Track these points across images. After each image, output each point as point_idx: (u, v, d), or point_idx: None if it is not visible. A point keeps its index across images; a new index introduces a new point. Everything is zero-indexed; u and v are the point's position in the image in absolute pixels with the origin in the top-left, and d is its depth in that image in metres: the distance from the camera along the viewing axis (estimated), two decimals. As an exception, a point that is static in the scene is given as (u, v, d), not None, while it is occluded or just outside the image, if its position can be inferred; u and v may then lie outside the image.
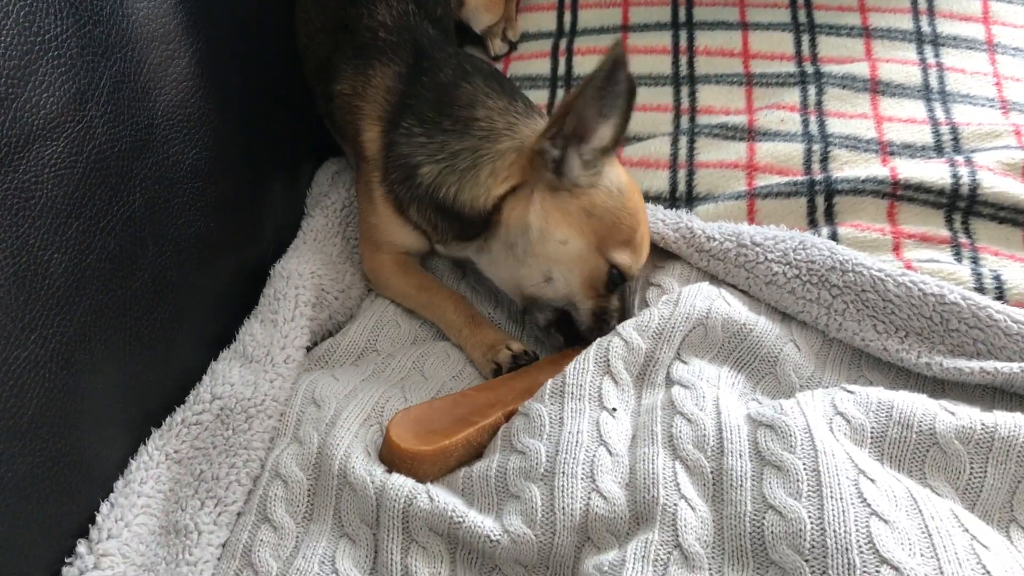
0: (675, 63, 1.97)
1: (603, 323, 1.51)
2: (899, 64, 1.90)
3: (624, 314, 1.54)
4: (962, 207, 1.63)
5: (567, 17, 2.12)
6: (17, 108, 1.10)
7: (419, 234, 1.63)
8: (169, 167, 1.37)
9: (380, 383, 1.48)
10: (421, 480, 1.32)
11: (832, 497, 1.18)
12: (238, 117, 1.54)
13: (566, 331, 1.54)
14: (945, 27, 1.97)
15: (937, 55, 1.92)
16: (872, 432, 1.31)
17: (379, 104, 1.62)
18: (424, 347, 1.58)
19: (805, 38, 1.98)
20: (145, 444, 1.33)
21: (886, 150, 1.76)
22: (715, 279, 1.57)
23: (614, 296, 1.52)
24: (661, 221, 1.62)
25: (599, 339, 1.41)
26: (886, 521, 1.15)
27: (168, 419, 1.37)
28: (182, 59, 1.40)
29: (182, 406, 1.38)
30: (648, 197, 1.74)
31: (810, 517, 1.16)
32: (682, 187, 1.76)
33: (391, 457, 1.33)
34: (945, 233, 1.62)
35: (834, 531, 1.14)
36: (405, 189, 1.57)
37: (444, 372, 1.54)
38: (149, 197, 1.32)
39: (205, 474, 1.32)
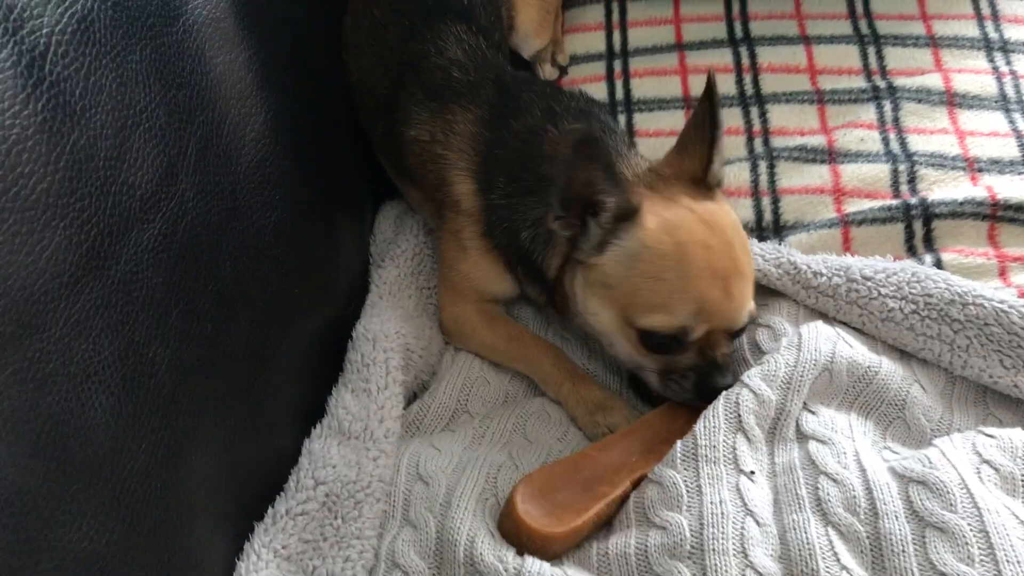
0: (739, 82, 1.89)
1: (670, 383, 1.38)
2: (972, 74, 1.83)
3: (708, 372, 1.37)
4: (1064, 226, 1.57)
5: (616, 37, 2.02)
6: (115, 192, 0.99)
7: (515, 280, 1.54)
8: (254, 233, 1.25)
9: (485, 450, 1.38)
10: (548, 559, 1.22)
11: (1009, 561, 1.11)
12: (309, 169, 1.43)
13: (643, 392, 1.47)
14: (1011, 32, 1.91)
15: (1009, 63, 1.86)
16: (1023, 480, 1.23)
17: (467, 153, 1.52)
18: (520, 407, 1.48)
19: (871, 50, 1.90)
20: (250, 541, 1.22)
21: (974, 167, 1.69)
22: (825, 317, 1.48)
23: (688, 353, 1.37)
24: (760, 257, 1.53)
25: (726, 392, 1.32)
26: (1070, 586, 1.08)
27: (271, 511, 1.26)
28: (259, 116, 1.29)
29: (284, 495, 1.27)
30: (734, 228, 1.66)
31: (988, 584, 1.09)
32: (768, 216, 1.68)
33: (518, 534, 1.22)
34: (1050, 254, 1.56)
35: (1018, 600, 1.07)
36: (513, 249, 1.48)
37: (548, 434, 1.44)
38: (238, 270, 1.21)
39: (319, 570, 1.21)
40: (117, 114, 1.00)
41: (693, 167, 1.41)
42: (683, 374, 1.37)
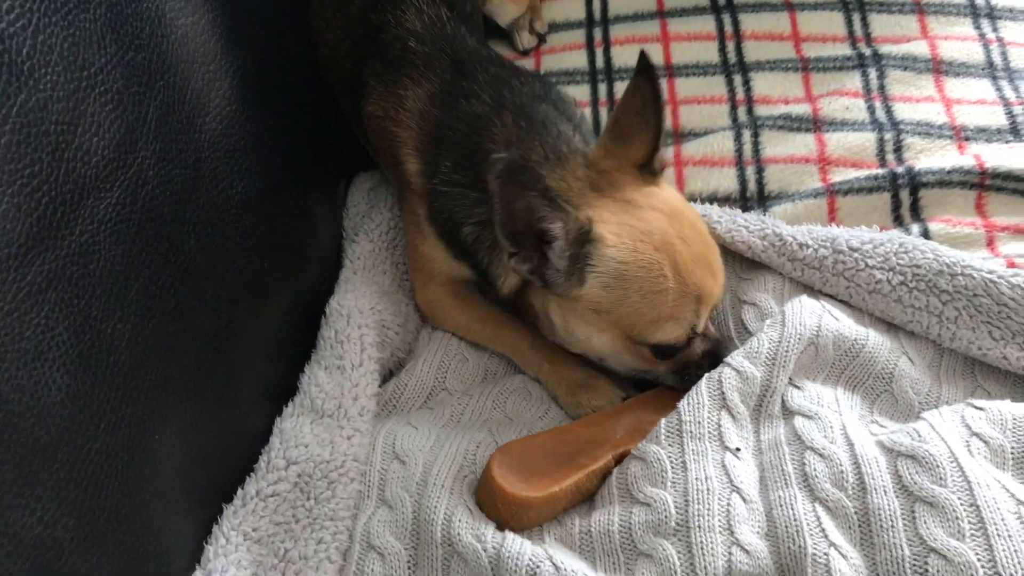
0: (722, 50, 1.84)
1: (687, 376, 1.33)
2: (958, 41, 1.80)
3: (717, 351, 1.33)
4: (1053, 194, 1.54)
5: (596, 4, 1.97)
6: (69, 158, 0.93)
7: (469, 268, 1.48)
8: (220, 205, 1.20)
9: (463, 429, 1.34)
10: (522, 527, 1.19)
11: (1000, 535, 1.08)
12: (279, 140, 1.38)
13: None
14: (999, -1, 1.87)
15: (996, 29, 1.82)
16: (1013, 453, 1.21)
17: (415, 131, 1.45)
18: (500, 384, 1.44)
19: (856, 17, 1.86)
20: (219, 524, 1.17)
21: (961, 135, 1.65)
22: (811, 290, 1.45)
23: (696, 344, 1.33)
24: (744, 228, 1.49)
25: (708, 373, 1.28)
26: (1063, 559, 1.06)
27: (240, 492, 1.21)
28: (223, 81, 1.23)
29: (254, 475, 1.23)
30: (717, 198, 1.63)
31: (980, 560, 1.07)
32: (752, 186, 1.64)
33: (492, 499, 1.19)
34: (1039, 223, 1.53)
35: (1011, 575, 1.04)
36: (454, 240, 1.42)
37: (529, 412, 1.40)
38: (203, 242, 1.16)
39: (291, 553, 1.17)
40: (70, 75, 0.94)
41: (637, 154, 1.33)
42: (699, 364, 1.33)
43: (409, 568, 1.18)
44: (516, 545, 1.13)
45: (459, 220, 1.40)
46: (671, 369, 1.34)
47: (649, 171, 1.34)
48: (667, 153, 1.39)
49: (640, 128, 1.33)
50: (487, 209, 1.31)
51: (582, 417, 1.36)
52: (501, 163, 1.15)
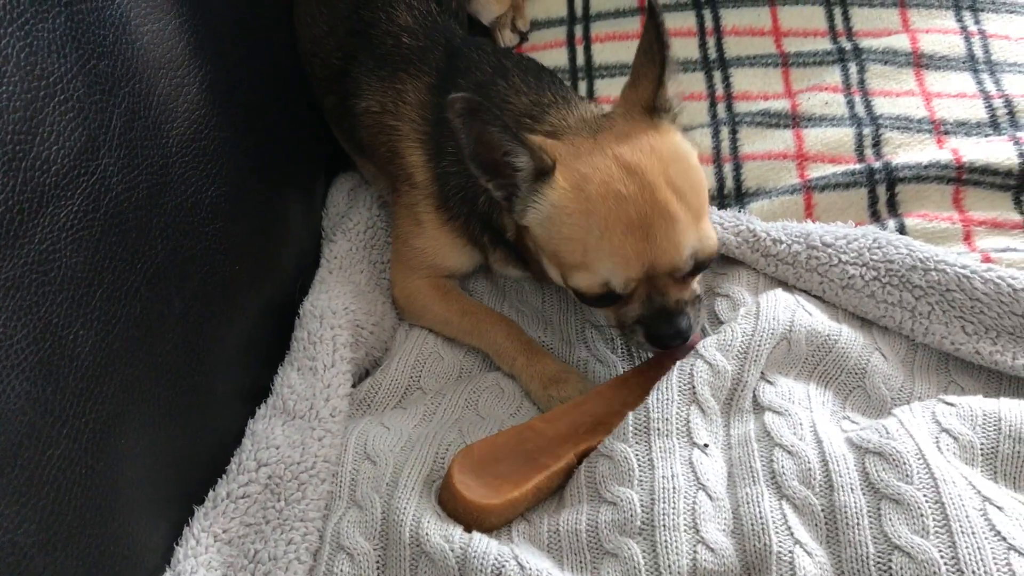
0: (703, 46, 1.84)
1: (628, 335, 1.33)
2: (940, 34, 1.79)
3: (651, 323, 1.30)
4: (1031, 188, 1.54)
5: (578, 1, 1.97)
6: (27, 168, 0.94)
7: (476, 251, 1.50)
8: (189, 209, 1.21)
9: (435, 428, 1.35)
10: (485, 530, 1.20)
11: (963, 532, 1.08)
12: (252, 142, 1.39)
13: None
14: (981, -11, 1.86)
15: (978, 22, 1.81)
16: (983, 449, 1.21)
17: (417, 123, 1.47)
18: (473, 382, 1.45)
19: (837, 11, 1.85)
20: (190, 525, 1.18)
21: (940, 129, 1.65)
22: (785, 285, 1.45)
23: (632, 305, 1.30)
24: (719, 224, 1.49)
25: (680, 363, 1.28)
26: (1027, 556, 1.06)
27: (211, 494, 1.22)
28: (191, 86, 1.24)
29: (225, 477, 1.24)
30: (696, 195, 1.63)
31: (943, 557, 1.07)
32: (730, 182, 1.64)
33: (454, 505, 1.20)
34: (1016, 217, 1.52)
35: (973, 572, 1.05)
36: (473, 217, 1.44)
37: (501, 410, 1.40)
38: (171, 247, 1.17)
39: (261, 554, 1.18)
40: (27, 85, 0.95)
41: (643, 95, 1.33)
42: (632, 327, 1.31)
43: (378, 568, 1.18)
44: (482, 545, 1.14)
45: (475, 193, 1.43)
46: (611, 322, 1.35)
47: (656, 111, 1.33)
48: (675, 98, 1.35)
49: (647, 68, 1.33)
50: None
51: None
52: (460, 101, 1.19)
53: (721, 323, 1.41)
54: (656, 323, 1.29)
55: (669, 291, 1.28)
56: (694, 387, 1.26)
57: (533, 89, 1.43)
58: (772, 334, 1.31)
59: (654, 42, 1.30)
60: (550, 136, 1.33)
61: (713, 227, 1.48)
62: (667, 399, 1.25)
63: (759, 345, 1.30)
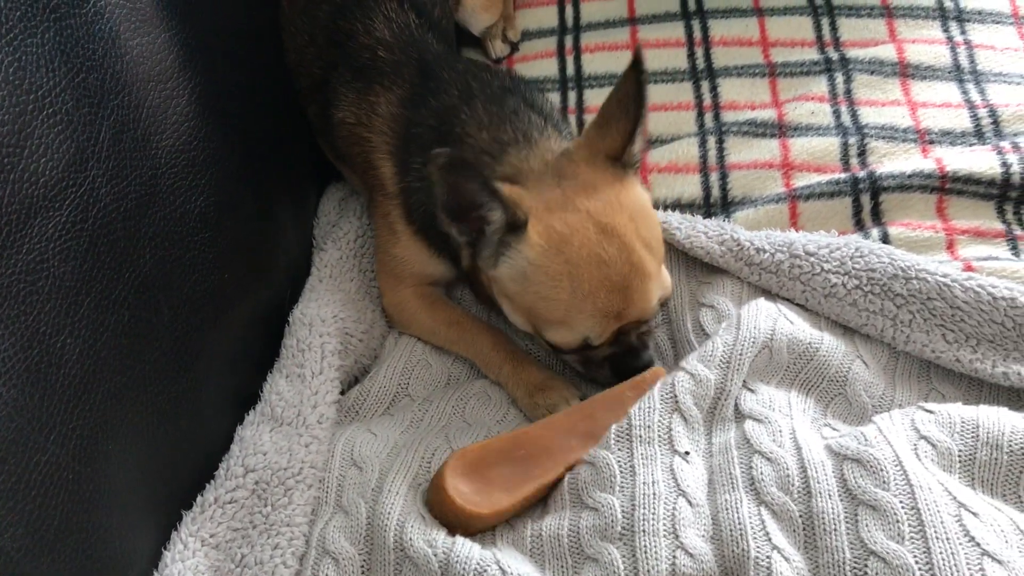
0: (691, 56, 1.86)
1: (590, 370, 1.40)
2: (926, 44, 1.81)
3: (620, 359, 1.37)
4: (1014, 197, 1.56)
5: (569, 12, 1.99)
6: (15, 180, 0.96)
7: (449, 263, 1.51)
8: (177, 219, 1.23)
9: (421, 434, 1.37)
10: (470, 535, 1.21)
11: (938, 538, 1.10)
12: (242, 152, 1.40)
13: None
14: (968, 1, 1.88)
15: (964, 32, 1.83)
16: (960, 456, 1.23)
17: (387, 135, 1.49)
18: (461, 389, 1.47)
19: (825, 22, 1.87)
20: (177, 530, 1.20)
21: (925, 139, 1.67)
22: (768, 293, 1.47)
23: (601, 348, 1.35)
24: (703, 234, 1.51)
25: (665, 376, 1.30)
26: (1000, 561, 1.08)
27: (199, 499, 1.24)
28: (181, 98, 1.26)
29: (213, 483, 1.26)
30: (681, 205, 1.65)
31: (918, 562, 1.08)
32: (716, 192, 1.66)
33: (442, 509, 1.22)
34: (999, 226, 1.54)
35: (946, 577, 1.06)
36: (434, 232, 1.44)
37: (488, 416, 1.42)
38: (159, 257, 1.18)
39: (247, 559, 1.20)
40: (15, 100, 0.97)
41: (612, 145, 1.34)
42: (600, 364, 1.38)
43: (362, 572, 1.20)
44: (465, 550, 1.16)
45: (435, 212, 1.42)
46: (575, 360, 1.40)
47: (621, 164, 1.36)
48: (640, 154, 1.40)
49: (619, 119, 1.35)
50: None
51: (539, 420, 1.38)
52: (443, 157, 1.21)
53: (706, 335, 1.43)
54: (624, 361, 1.36)
55: (632, 331, 1.35)
56: (676, 396, 1.28)
57: (494, 123, 1.42)
58: (753, 343, 1.33)
59: (633, 97, 1.32)
60: (511, 179, 1.34)
61: (698, 235, 1.51)
62: (649, 407, 1.27)
63: (740, 354, 1.32)
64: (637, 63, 1.32)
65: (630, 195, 1.35)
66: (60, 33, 1.05)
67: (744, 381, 1.33)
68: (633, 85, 1.32)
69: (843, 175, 1.61)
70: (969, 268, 1.45)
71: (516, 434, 1.33)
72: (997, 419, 1.24)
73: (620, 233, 1.29)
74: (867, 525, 1.13)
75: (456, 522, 1.21)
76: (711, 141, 1.71)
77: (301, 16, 1.66)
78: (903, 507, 1.12)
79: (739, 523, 1.15)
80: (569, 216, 1.29)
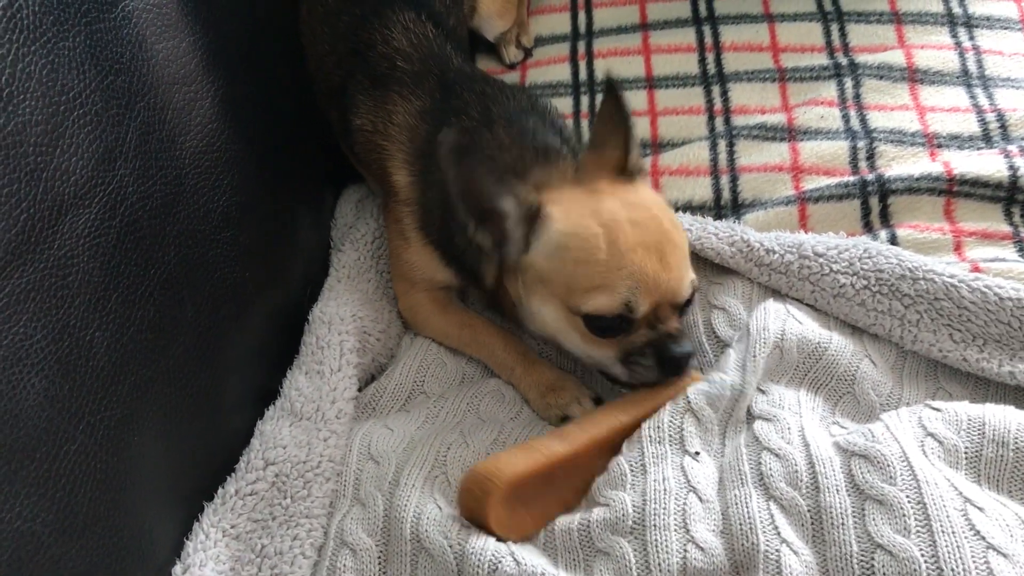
0: (702, 61, 1.89)
1: (633, 366, 1.34)
2: (934, 50, 1.83)
3: (661, 343, 1.33)
4: (1021, 200, 1.57)
5: (582, 18, 2.03)
6: (47, 178, 1.00)
7: (456, 273, 1.54)
8: (201, 218, 1.26)
9: (436, 429, 1.40)
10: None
11: (944, 532, 1.12)
12: (263, 153, 1.44)
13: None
14: (977, 7, 1.90)
15: (972, 38, 1.86)
16: (967, 452, 1.24)
17: (404, 145, 1.52)
18: (475, 386, 1.49)
19: (834, 27, 1.90)
20: (199, 521, 1.24)
21: (933, 143, 1.69)
22: (778, 294, 1.49)
23: (639, 331, 1.33)
24: (714, 235, 1.53)
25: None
26: (1005, 555, 1.09)
27: (221, 491, 1.27)
28: (205, 100, 1.30)
29: (234, 475, 1.29)
30: (692, 207, 1.68)
31: (923, 555, 1.10)
32: (727, 194, 1.68)
33: (475, 522, 1.21)
34: (1006, 228, 1.56)
35: (952, 569, 1.08)
36: (448, 245, 1.48)
37: (501, 413, 1.45)
38: (184, 254, 1.22)
39: (267, 549, 1.23)
40: (48, 100, 1.01)
41: (612, 157, 1.40)
42: (642, 352, 1.33)
43: (379, 563, 1.23)
44: (480, 542, 1.18)
45: (452, 231, 1.45)
46: (614, 354, 1.34)
47: (626, 173, 1.41)
48: (643, 160, 1.46)
49: (612, 135, 1.41)
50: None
51: (552, 420, 1.41)
52: (450, 140, 1.25)
53: (717, 337, 1.46)
54: (667, 346, 1.32)
55: (671, 320, 1.34)
56: (688, 397, 1.30)
57: (516, 144, 1.45)
58: (765, 343, 1.35)
59: (618, 113, 1.40)
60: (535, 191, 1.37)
61: (708, 237, 1.54)
62: (659, 412, 1.29)
63: (755, 356, 1.34)
64: (611, 88, 1.40)
65: (649, 194, 1.42)
66: (90, 37, 1.09)
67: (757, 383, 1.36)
68: (613, 104, 1.40)
69: (852, 178, 1.63)
70: (976, 269, 1.47)
71: (552, 462, 1.25)
72: (1003, 417, 1.25)
73: (647, 207, 1.35)
74: (874, 519, 1.14)
75: (484, 530, 1.20)
76: (722, 144, 1.74)
77: (321, 25, 1.69)
78: (909, 502, 1.14)
79: (749, 517, 1.17)
80: (596, 197, 1.35)
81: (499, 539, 1.20)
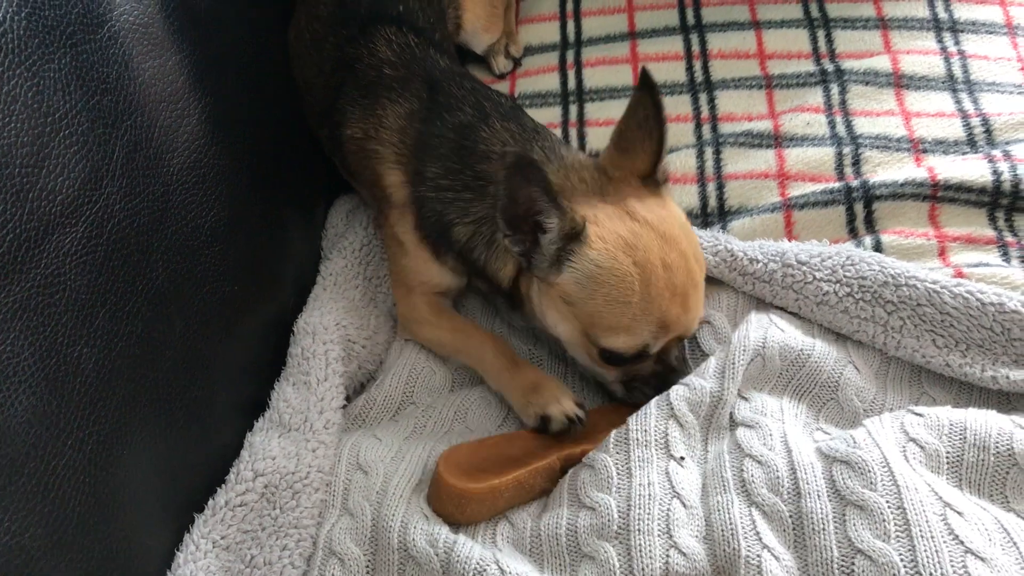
0: (689, 69, 1.90)
1: (633, 389, 1.42)
2: (920, 55, 1.84)
3: (665, 376, 1.40)
4: (1005, 204, 1.58)
5: (570, 27, 2.04)
6: (33, 198, 1.02)
7: (457, 272, 1.56)
8: (189, 234, 1.28)
9: (424, 439, 1.41)
10: (467, 520, 1.27)
11: (923, 536, 1.13)
12: (251, 168, 1.46)
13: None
14: (962, 12, 1.91)
15: (958, 42, 1.87)
16: (948, 457, 1.26)
17: (396, 147, 1.54)
18: (462, 395, 1.51)
19: (821, 34, 1.91)
20: (190, 532, 1.25)
21: (918, 148, 1.70)
22: (762, 303, 1.51)
23: (647, 363, 1.39)
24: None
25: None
26: (983, 559, 1.11)
27: (211, 502, 1.29)
28: (192, 117, 1.31)
29: (224, 487, 1.31)
30: (679, 215, 1.69)
31: (902, 560, 1.11)
32: (713, 202, 1.70)
33: (438, 493, 1.27)
34: (990, 233, 1.57)
35: (931, 574, 1.10)
36: (443, 242, 1.50)
37: (488, 421, 1.47)
38: (172, 270, 1.24)
39: (256, 559, 1.25)
40: (34, 122, 1.03)
41: (640, 165, 1.39)
42: (646, 381, 1.40)
43: (367, 573, 1.25)
44: (466, 549, 1.20)
45: (450, 221, 1.48)
46: (619, 378, 1.41)
47: (652, 182, 1.40)
48: (668, 166, 1.45)
49: (643, 140, 1.38)
50: (485, 205, 1.42)
51: (532, 420, 1.42)
52: (512, 156, 1.30)
53: (703, 351, 1.48)
54: (667, 379, 1.38)
55: (674, 351, 1.39)
56: (671, 403, 1.32)
57: (518, 141, 1.46)
58: (744, 350, 1.37)
59: (652, 118, 1.36)
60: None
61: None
62: (646, 414, 1.31)
63: (734, 363, 1.35)
64: (648, 83, 1.35)
65: (674, 210, 1.41)
66: (76, 58, 1.11)
67: (739, 390, 1.37)
68: (651, 106, 1.36)
69: (837, 184, 1.65)
70: (960, 274, 1.48)
71: (510, 435, 1.38)
72: (984, 422, 1.27)
73: (677, 240, 1.34)
74: (854, 524, 1.16)
75: (452, 505, 1.26)
76: (708, 152, 1.75)
77: (308, 50, 1.71)
78: (889, 507, 1.16)
79: (730, 523, 1.19)
80: (630, 223, 1.33)
81: (462, 494, 1.25)
